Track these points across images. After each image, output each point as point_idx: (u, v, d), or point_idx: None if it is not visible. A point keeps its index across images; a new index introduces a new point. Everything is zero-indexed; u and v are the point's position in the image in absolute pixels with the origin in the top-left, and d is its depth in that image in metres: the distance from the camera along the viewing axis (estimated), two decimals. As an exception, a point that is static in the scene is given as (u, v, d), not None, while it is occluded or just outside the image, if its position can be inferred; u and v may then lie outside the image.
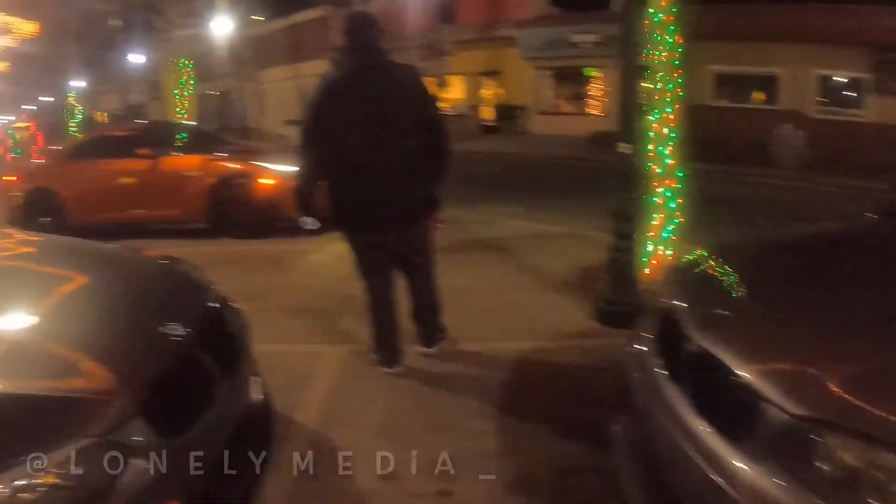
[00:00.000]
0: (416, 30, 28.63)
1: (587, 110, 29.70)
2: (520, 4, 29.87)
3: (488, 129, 31.30)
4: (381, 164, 4.56)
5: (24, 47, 35.92)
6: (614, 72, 24.21)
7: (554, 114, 30.68)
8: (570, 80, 30.62)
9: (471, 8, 29.85)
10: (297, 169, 4.78)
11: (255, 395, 3.69)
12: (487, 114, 32.99)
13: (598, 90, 29.28)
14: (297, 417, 4.43)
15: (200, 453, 2.96)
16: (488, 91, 33.46)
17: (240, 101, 40.99)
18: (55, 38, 39.70)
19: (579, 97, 30.49)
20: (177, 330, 3.16)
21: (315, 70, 40.32)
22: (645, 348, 3.21)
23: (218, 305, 3.71)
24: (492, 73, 32.70)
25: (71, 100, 37.95)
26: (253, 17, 42.16)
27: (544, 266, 7.58)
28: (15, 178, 12.15)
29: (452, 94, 32.45)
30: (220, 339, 3.47)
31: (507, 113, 31.42)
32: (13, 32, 32.77)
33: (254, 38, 42.56)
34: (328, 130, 4.52)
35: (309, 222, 4.82)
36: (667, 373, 2.84)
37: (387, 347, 5.03)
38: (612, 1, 5.95)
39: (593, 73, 29.30)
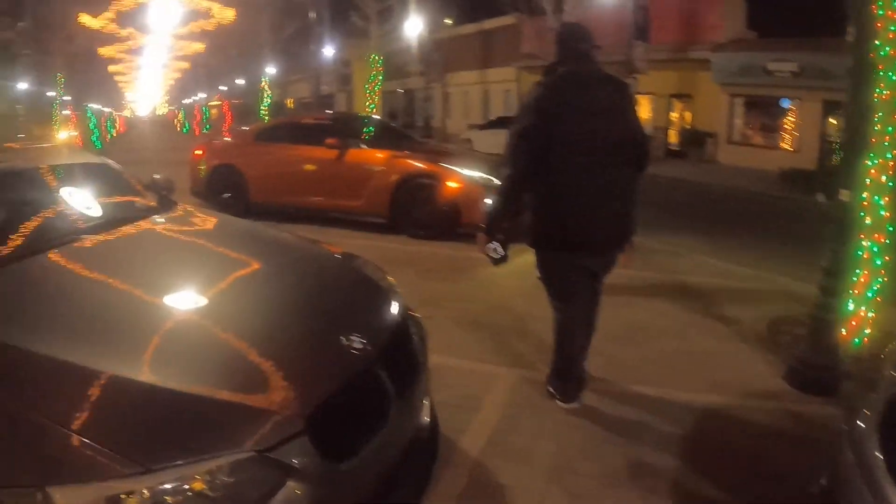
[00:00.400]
0: (609, 45, 28.17)
1: (779, 144, 28.22)
2: (716, 26, 28.86)
3: (673, 154, 30.31)
4: (602, 182, 4.27)
5: (220, 31, 37.69)
6: (811, 104, 23.28)
7: (743, 144, 29.36)
8: (763, 110, 29.11)
9: (665, 27, 29.03)
10: (502, 182, 4.42)
11: (425, 417, 3.42)
12: (674, 138, 31.99)
13: (792, 123, 27.80)
14: (462, 443, 4.18)
15: (363, 482, 2.73)
16: (677, 114, 32.46)
17: (426, 101, 41.61)
18: (252, 24, 41.49)
19: (771, 129, 28.90)
20: (357, 343, 2.93)
21: (502, 77, 40.87)
22: (864, 426, 2.73)
23: (401, 316, 3.47)
24: (682, 96, 31.71)
25: (263, 84, 39.54)
26: (444, 20, 42.72)
27: (731, 311, 6.98)
28: (201, 153, 12.56)
29: (640, 114, 31.66)
30: (401, 354, 3.22)
31: (695, 139, 30.34)
32: (212, 17, 34.44)
33: (444, 40, 43.14)
34: (548, 142, 4.19)
35: (496, 250, 4.43)
36: (889, 465, 2.38)
37: (568, 379, 4.70)
38: (847, 30, 5.38)
39: (788, 104, 27.81)
